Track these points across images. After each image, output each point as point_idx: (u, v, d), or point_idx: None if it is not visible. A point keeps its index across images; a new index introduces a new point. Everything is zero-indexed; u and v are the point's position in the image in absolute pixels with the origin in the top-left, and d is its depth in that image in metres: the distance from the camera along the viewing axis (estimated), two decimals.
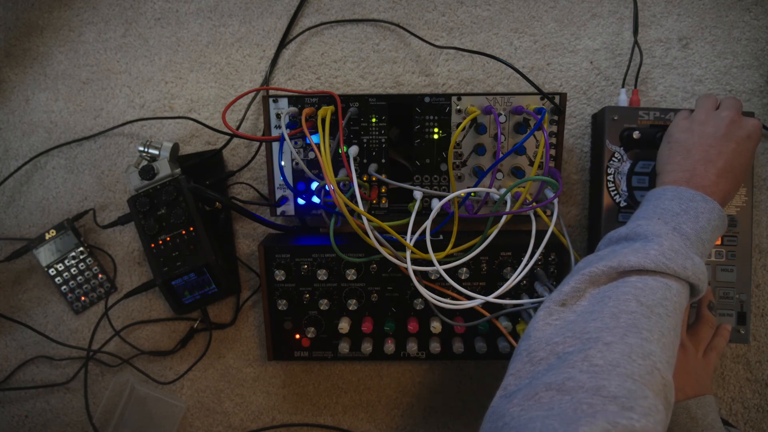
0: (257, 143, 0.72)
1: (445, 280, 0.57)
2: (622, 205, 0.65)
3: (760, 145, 0.70)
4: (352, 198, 0.56)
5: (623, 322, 0.39)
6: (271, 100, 0.63)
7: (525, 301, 0.59)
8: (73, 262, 0.73)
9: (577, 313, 0.43)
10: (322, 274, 0.63)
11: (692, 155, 0.53)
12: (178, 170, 0.68)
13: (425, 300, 0.61)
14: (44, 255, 0.72)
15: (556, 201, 0.57)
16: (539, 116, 0.57)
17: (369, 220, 0.55)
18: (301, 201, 0.66)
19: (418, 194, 0.60)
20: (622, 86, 0.69)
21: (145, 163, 0.67)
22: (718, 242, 0.64)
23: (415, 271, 0.58)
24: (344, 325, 0.64)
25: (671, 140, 0.57)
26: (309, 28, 0.72)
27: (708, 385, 0.57)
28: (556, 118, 0.63)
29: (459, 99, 0.62)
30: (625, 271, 0.44)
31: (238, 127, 0.72)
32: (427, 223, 0.57)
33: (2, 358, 0.76)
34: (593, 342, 0.38)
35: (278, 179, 0.65)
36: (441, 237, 0.63)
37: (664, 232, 0.46)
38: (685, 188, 0.51)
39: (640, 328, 0.39)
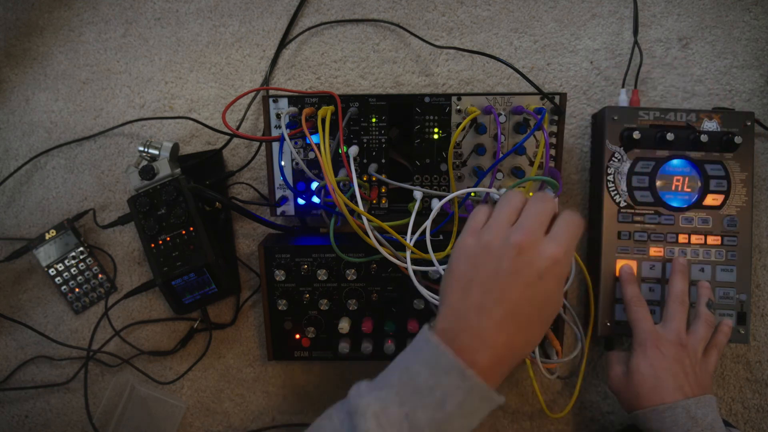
0: (257, 143, 0.72)
1: None
2: (622, 205, 0.65)
3: (761, 145, 0.69)
4: (352, 198, 0.56)
5: None
6: (271, 100, 0.63)
7: None
8: (73, 262, 0.73)
9: None
10: (322, 274, 0.63)
11: (469, 297, 0.42)
12: (178, 170, 0.68)
13: (425, 300, 0.61)
14: (44, 255, 0.72)
15: (555, 201, 0.57)
16: (539, 116, 0.57)
17: (369, 220, 0.55)
18: (301, 201, 0.66)
19: (418, 194, 0.60)
20: (622, 86, 0.69)
21: (145, 163, 0.67)
22: (719, 242, 0.64)
23: (415, 271, 0.58)
24: (344, 325, 0.64)
25: (452, 267, 0.45)
26: (309, 28, 0.72)
27: (708, 384, 0.57)
28: (556, 118, 0.63)
29: (459, 99, 0.62)
30: None
31: (238, 127, 0.72)
32: (427, 223, 0.57)
33: (2, 358, 0.76)
34: None
35: (278, 179, 0.65)
36: (441, 237, 0.63)
37: (386, 422, 0.39)
38: (447, 351, 0.40)
39: None
